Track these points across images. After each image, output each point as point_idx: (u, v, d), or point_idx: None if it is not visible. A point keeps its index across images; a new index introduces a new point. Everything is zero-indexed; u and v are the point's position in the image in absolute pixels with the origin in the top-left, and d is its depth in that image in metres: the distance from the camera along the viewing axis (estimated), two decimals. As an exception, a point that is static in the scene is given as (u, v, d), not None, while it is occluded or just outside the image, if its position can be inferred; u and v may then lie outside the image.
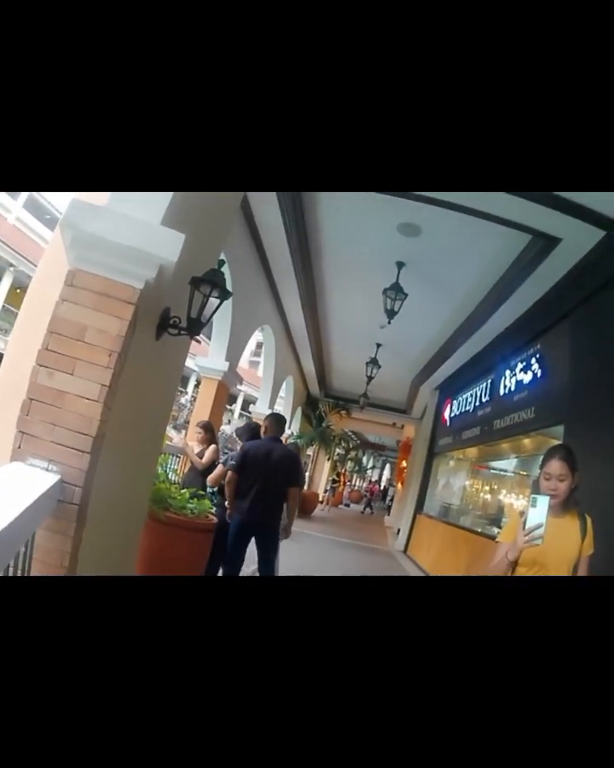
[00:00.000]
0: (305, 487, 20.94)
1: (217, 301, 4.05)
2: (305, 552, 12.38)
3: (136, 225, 3.14)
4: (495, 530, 10.23)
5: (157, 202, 3.31)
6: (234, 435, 7.38)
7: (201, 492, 6.21)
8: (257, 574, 6.68)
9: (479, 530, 10.52)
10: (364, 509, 33.49)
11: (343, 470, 36.37)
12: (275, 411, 7.47)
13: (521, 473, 11.64)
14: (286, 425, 6.92)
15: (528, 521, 3.20)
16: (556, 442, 7.65)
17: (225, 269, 4.30)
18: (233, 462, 6.36)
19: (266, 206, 7.44)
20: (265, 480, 6.12)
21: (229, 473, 6.27)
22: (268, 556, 6.47)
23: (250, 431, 7.06)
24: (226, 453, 7.15)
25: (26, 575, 2.65)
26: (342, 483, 34.33)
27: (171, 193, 3.36)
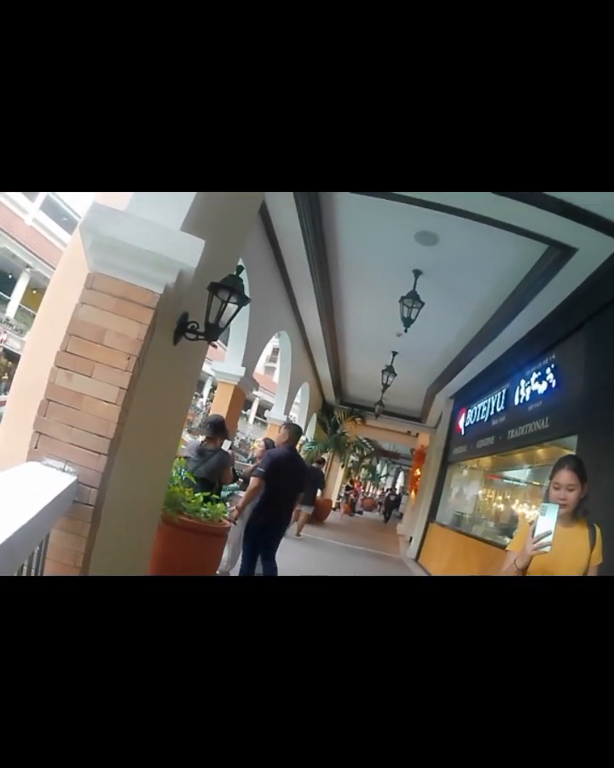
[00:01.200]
0: (318, 494, 20.98)
1: (236, 307, 4.08)
2: (318, 558, 12.39)
3: (157, 230, 3.16)
4: (507, 540, 10.20)
5: (177, 207, 3.34)
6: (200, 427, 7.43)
7: (216, 496, 6.23)
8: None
9: (491, 539, 10.49)
10: (385, 516, 34.06)
11: (357, 477, 36.32)
12: (292, 421, 7.58)
13: (534, 483, 11.61)
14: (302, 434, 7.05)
15: (537, 530, 3.22)
16: (568, 452, 7.66)
17: (243, 275, 4.32)
18: (261, 469, 6.53)
19: (284, 212, 7.48)
20: (289, 487, 6.42)
21: (255, 479, 6.46)
22: (273, 554, 6.87)
23: (213, 425, 7.16)
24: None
25: (39, 574, 2.67)
26: (354, 490, 34.23)
27: (192, 198, 3.39)
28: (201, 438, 7.31)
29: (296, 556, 11.82)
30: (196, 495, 5.83)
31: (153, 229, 3.16)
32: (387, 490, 42.99)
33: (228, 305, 3.98)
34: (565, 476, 3.44)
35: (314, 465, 17.72)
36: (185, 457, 6.58)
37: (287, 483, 6.47)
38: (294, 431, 6.94)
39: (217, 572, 6.92)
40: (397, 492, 43.15)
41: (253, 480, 6.46)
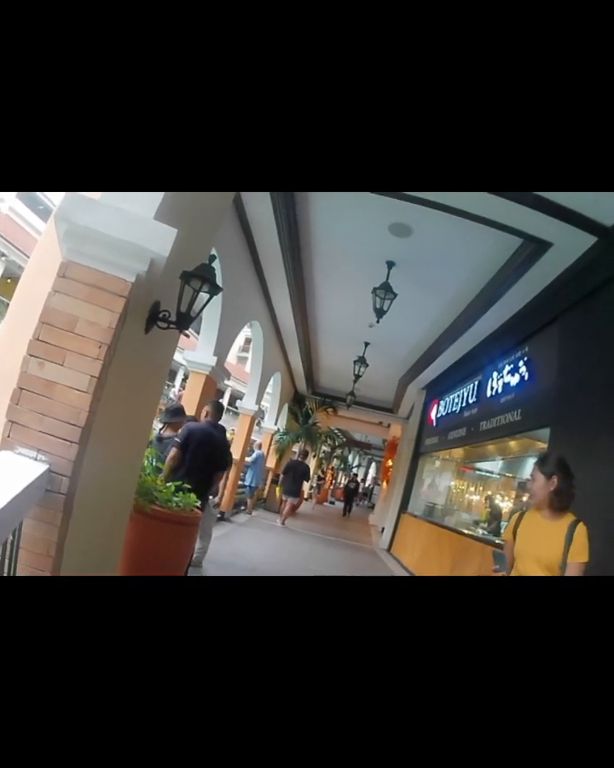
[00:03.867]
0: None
1: (207, 296, 4.07)
2: (291, 548, 12.42)
3: (130, 219, 3.16)
4: (480, 531, 10.30)
5: (151, 196, 3.33)
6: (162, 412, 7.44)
7: (187, 485, 6.23)
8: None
9: (464, 530, 10.55)
10: (345, 507, 30.58)
11: (329, 467, 36.31)
12: (215, 400, 7.74)
13: (507, 475, 11.70)
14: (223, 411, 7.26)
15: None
16: (541, 444, 7.74)
17: (216, 264, 4.31)
18: (177, 440, 6.71)
19: (258, 202, 7.46)
20: (201, 458, 6.55)
21: (173, 449, 6.63)
22: None
23: (170, 412, 7.30)
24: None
25: (13, 564, 2.67)
26: (328, 480, 34.25)
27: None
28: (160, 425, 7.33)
29: (267, 547, 11.86)
30: (168, 485, 5.83)
31: (126, 217, 3.15)
32: (350, 477, 37.86)
33: (200, 294, 3.98)
34: (531, 471, 3.57)
35: (298, 459, 18.63)
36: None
37: (200, 454, 6.59)
38: (215, 407, 7.18)
39: (190, 562, 6.93)
40: (360, 480, 40.47)
41: (171, 451, 6.62)
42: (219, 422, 7.12)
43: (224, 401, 39.38)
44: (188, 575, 6.45)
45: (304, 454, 20.06)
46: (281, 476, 18.70)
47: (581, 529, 3.62)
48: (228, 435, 12.94)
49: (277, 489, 19.71)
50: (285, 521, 16.67)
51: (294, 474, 17.69)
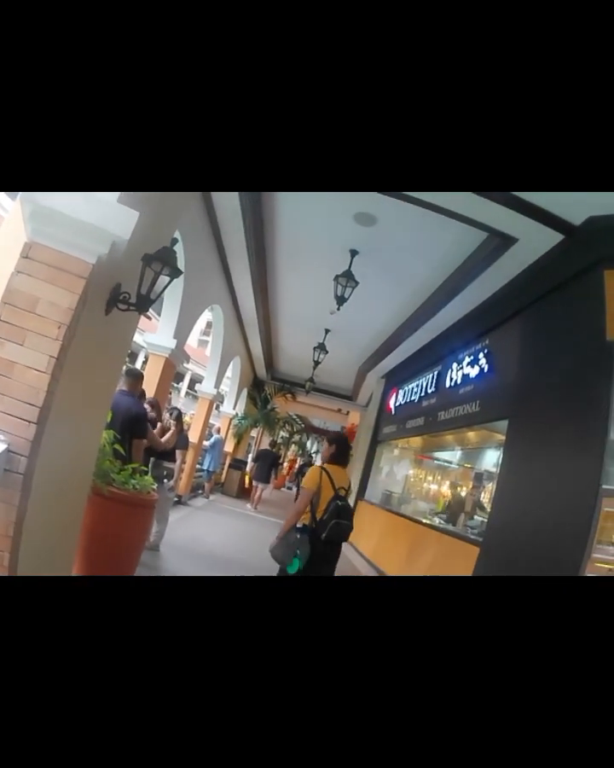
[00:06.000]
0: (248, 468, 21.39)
1: (168, 279, 4.08)
2: (248, 534, 12.44)
3: (93, 201, 3.17)
4: (437, 520, 10.38)
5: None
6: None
7: (144, 468, 6.21)
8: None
9: (421, 519, 10.62)
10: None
11: (292, 457, 36.14)
12: (130, 367, 7.69)
13: (465, 465, 11.78)
14: (140, 380, 7.18)
15: None
16: (500, 436, 7.84)
17: (178, 247, 4.31)
18: None
19: (223, 185, 7.38)
20: (122, 428, 6.26)
21: None
22: None
23: (130, 373, 7.16)
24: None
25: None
26: (287, 466, 34.17)
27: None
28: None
29: (225, 530, 11.88)
30: (125, 467, 5.84)
31: (89, 199, 3.16)
32: (306, 460, 33.72)
33: (161, 276, 3.99)
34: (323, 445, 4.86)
35: (268, 449, 19.69)
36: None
37: (116, 423, 6.28)
38: (127, 375, 6.90)
39: (147, 544, 6.92)
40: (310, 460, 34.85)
41: None
42: (134, 390, 6.84)
43: (184, 384, 39.17)
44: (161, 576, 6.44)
45: (273, 444, 21.09)
46: (253, 464, 19.54)
47: (314, 472, 5.86)
48: (186, 419, 12.84)
49: (246, 476, 20.65)
50: (257, 506, 17.61)
51: (264, 462, 18.37)
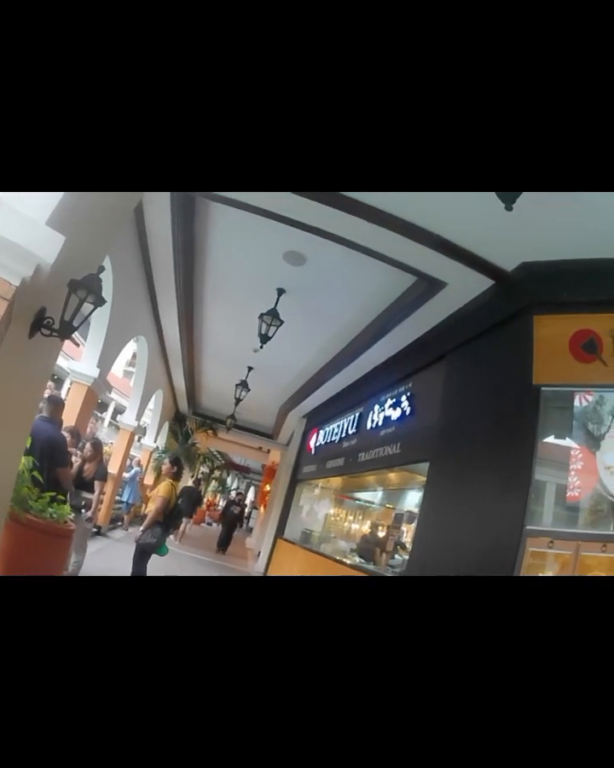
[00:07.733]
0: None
1: (92, 306, 4.03)
2: (169, 569, 12.24)
3: (18, 220, 3.12)
4: (358, 559, 10.38)
5: (47, 199, 3.29)
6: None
7: (62, 497, 6.07)
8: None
9: (339, 558, 10.61)
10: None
11: (213, 499, 36.26)
12: (53, 394, 7.74)
13: (387, 505, 11.84)
14: (62, 407, 7.16)
15: None
16: (421, 477, 7.92)
17: (106, 275, 4.27)
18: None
19: (158, 216, 7.31)
20: (39, 458, 6.07)
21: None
22: None
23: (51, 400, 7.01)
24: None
25: None
26: (207, 503, 34.10)
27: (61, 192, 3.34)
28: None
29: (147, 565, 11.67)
30: (43, 495, 5.78)
31: (15, 218, 3.12)
32: (232, 499, 26.29)
33: (85, 303, 3.94)
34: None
35: (192, 486, 20.74)
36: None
37: (36, 450, 6.05)
38: (52, 402, 6.83)
39: (65, 574, 6.80)
40: (241, 501, 26.60)
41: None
42: (55, 417, 6.74)
43: (107, 414, 39.00)
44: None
45: (198, 482, 22.47)
46: (178, 499, 18.88)
47: (166, 484, 8.06)
48: (106, 449, 12.66)
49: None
50: (180, 539, 18.39)
51: (189, 499, 18.63)
